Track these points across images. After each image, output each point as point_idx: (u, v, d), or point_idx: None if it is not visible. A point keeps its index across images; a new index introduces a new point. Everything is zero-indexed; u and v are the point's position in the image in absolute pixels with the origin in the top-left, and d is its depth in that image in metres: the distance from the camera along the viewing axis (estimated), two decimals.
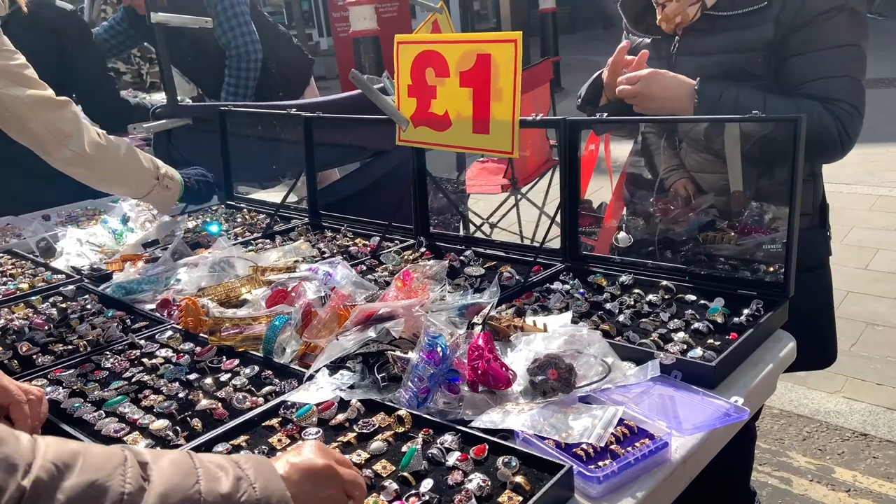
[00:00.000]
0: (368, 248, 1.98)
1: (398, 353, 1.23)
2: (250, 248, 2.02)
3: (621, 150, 1.98)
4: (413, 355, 1.18)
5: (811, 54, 1.60)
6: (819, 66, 1.60)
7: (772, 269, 1.52)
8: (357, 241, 2.06)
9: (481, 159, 4.79)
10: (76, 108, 1.90)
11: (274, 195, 2.74)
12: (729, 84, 1.63)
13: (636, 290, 1.51)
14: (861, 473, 2.60)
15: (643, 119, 1.81)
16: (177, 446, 1.07)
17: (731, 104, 1.60)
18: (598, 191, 2.16)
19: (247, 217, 2.41)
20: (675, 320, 1.38)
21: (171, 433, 1.11)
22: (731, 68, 1.65)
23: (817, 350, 1.81)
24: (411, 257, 1.87)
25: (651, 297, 1.48)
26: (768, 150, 1.61)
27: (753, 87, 1.63)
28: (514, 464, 0.97)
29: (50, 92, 1.84)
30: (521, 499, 0.91)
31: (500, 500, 0.92)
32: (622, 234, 1.75)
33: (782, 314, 1.39)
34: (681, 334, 1.31)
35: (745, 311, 1.36)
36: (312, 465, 0.82)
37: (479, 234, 4.39)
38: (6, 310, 1.66)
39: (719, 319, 1.35)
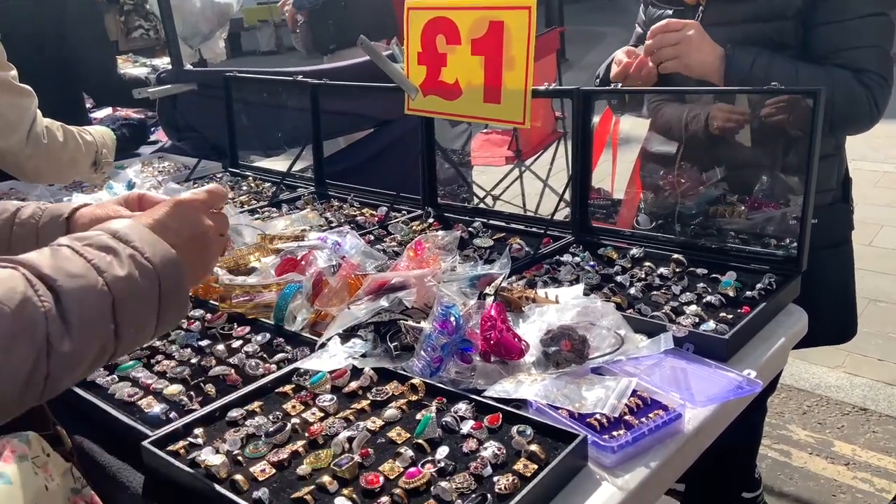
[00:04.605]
0: (376, 219, 1.96)
1: (410, 322, 1.23)
2: (257, 216, 2.01)
3: (638, 128, 1.96)
4: (426, 325, 1.18)
5: (840, 23, 1.57)
6: (848, 36, 1.57)
7: (784, 243, 1.51)
8: (364, 210, 2.04)
9: (485, 130, 4.76)
10: (33, 100, 1.79)
11: (278, 164, 2.72)
12: (760, 51, 1.59)
13: (647, 263, 1.51)
14: (860, 447, 2.63)
15: (659, 90, 1.79)
16: (191, 411, 1.08)
17: (761, 73, 1.57)
18: (604, 171, 2.14)
19: (252, 185, 2.39)
20: (687, 293, 1.38)
21: (185, 398, 1.12)
22: (759, 38, 1.62)
23: (838, 325, 1.81)
24: (419, 228, 1.86)
25: (662, 270, 1.48)
26: (788, 125, 1.59)
27: (784, 56, 1.60)
28: (528, 433, 0.98)
29: (7, 75, 1.72)
30: (535, 467, 0.92)
31: (515, 467, 0.92)
32: (643, 217, 1.74)
33: (795, 288, 1.39)
34: (693, 307, 1.31)
35: (758, 285, 1.36)
36: (168, 210, 0.88)
37: (481, 207, 4.37)
38: None
39: (731, 293, 1.35)
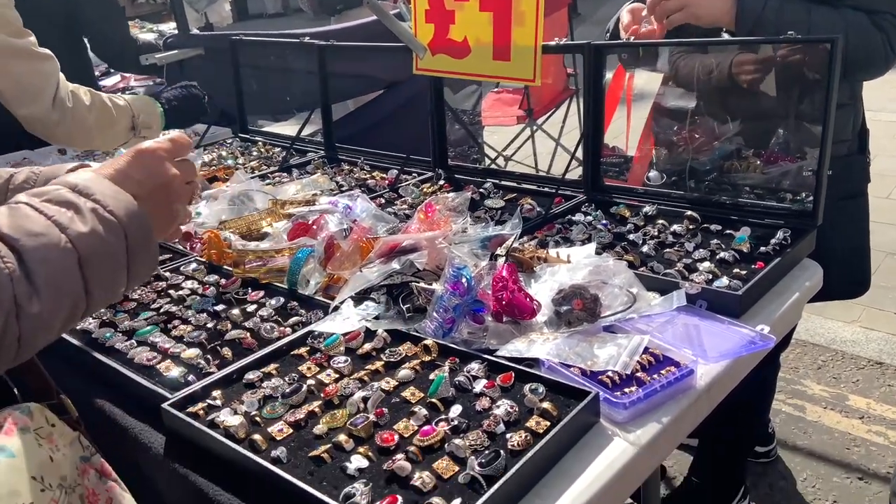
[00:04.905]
0: (386, 182, 1.96)
1: (422, 284, 1.23)
2: (268, 181, 2.01)
3: (653, 83, 1.91)
4: (438, 286, 1.18)
5: None
6: None
7: (799, 197, 1.49)
8: (374, 174, 2.04)
9: (496, 90, 4.69)
10: (55, 64, 1.77)
11: (287, 128, 2.71)
12: None
13: (660, 221, 1.49)
14: (875, 401, 2.63)
15: (671, 42, 1.74)
16: (209, 374, 1.10)
17: (773, 17, 1.52)
18: (618, 129, 2.10)
19: (262, 150, 2.39)
20: (701, 250, 1.37)
21: (202, 361, 1.13)
22: None
23: (852, 279, 1.79)
24: (430, 190, 1.85)
25: (675, 227, 1.47)
26: (804, 73, 1.54)
27: None
28: (540, 391, 0.99)
29: (27, 41, 1.69)
30: (548, 424, 0.93)
31: (527, 424, 0.93)
32: (654, 173, 1.71)
33: (810, 243, 1.38)
34: (706, 264, 1.30)
35: (773, 241, 1.34)
36: (129, 160, 0.84)
37: (493, 168, 4.34)
38: None
39: (745, 249, 1.34)
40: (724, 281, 1.24)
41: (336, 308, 1.24)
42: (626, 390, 1.00)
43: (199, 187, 0.95)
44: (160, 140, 0.90)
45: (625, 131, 2.10)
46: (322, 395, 1.03)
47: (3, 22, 1.67)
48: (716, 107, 1.75)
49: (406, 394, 1.02)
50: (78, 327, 1.27)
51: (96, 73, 3.24)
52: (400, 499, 0.82)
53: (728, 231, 1.42)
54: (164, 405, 1.02)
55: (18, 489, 0.71)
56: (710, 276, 1.26)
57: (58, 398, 0.89)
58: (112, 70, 3.56)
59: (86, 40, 2.78)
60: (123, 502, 0.88)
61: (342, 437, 0.93)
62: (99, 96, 1.90)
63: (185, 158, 0.92)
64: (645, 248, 1.39)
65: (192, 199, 0.94)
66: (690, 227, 1.47)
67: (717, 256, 1.33)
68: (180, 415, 1.00)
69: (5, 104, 1.73)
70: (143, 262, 0.82)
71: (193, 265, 1.49)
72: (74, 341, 1.23)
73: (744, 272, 1.27)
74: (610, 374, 1.02)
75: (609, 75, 1.74)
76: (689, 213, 1.49)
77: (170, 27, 3.79)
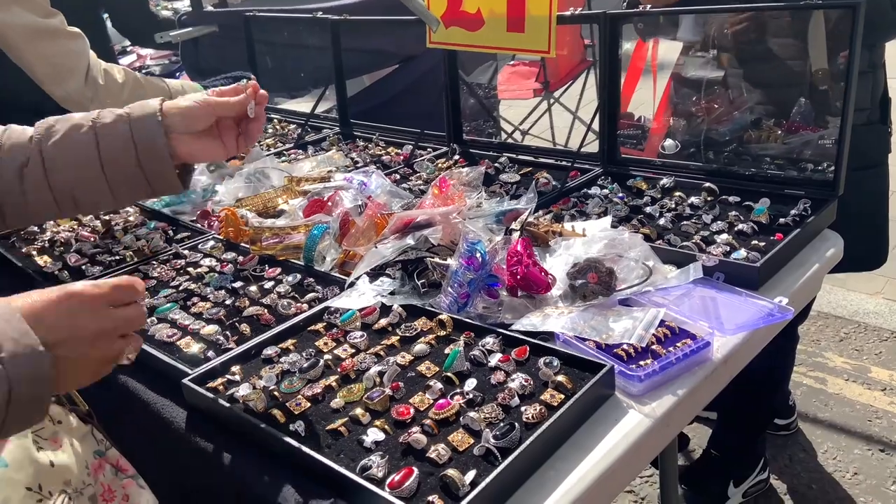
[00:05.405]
0: (401, 157, 1.95)
1: (437, 259, 1.24)
2: (283, 158, 2.02)
3: (671, 52, 1.88)
4: (452, 262, 1.18)
5: None
6: None
7: (820, 167, 1.46)
8: (389, 149, 2.03)
9: (512, 63, 4.63)
10: (85, 42, 1.78)
11: (303, 105, 2.70)
12: None
13: (677, 193, 1.48)
14: None
15: (686, 10, 1.70)
16: (228, 350, 1.11)
17: None
18: (642, 101, 2.06)
19: (277, 127, 2.39)
20: (718, 222, 1.35)
21: (221, 337, 1.15)
22: None
23: (868, 251, 1.76)
24: (445, 165, 1.84)
25: (693, 199, 1.45)
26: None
27: None
28: (555, 364, 0.99)
29: (56, 20, 1.70)
30: (563, 397, 0.93)
31: (542, 397, 0.94)
32: (668, 142, 1.69)
33: (830, 213, 1.35)
34: (724, 236, 1.29)
35: (792, 212, 1.32)
36: (53, 299, 0.71)
37: (508, 142, 4.31)
38: (52, 223, 1.70)
39: (764, 220, 1.32)
40: (742, 253, 1.22)
41: (352, 284, 1.25)
42: (642, 363, 0.99)
43: (139, 340, 0.82)
44: (101, 284, 0.77)
45: (650, 101, 2.06)
46: (339, 369, 1.04)
47: (31, 3, 1.68)
48: (738, 76, 1.72)
49: (421, 368, 1.03)
50: None
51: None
52: (416, 471, 0.83)
53: (747, 203, 1.40)
54: (185, 380, 1.04)
55: (10, 501, 0.68)
56: (728, 249, 1.25)
57: (65, 392, 0.83)
58: (128, 49, 3.57)
59: (105, 17, 2.79)
60: (140, 500, 0.86)
61: (359, 411, 0.94)
62: (133, 74, 1.92)
63: (135, 303, 0.79)
64: (662, 221, 1.38)
65: (123, 357, 0.80)
66: (708, 198, 1.45)
67: (736, 228, 1.32)
68: (200, 390, 1.02)
69: (40, 84, 1.75)
70: (22, 421, 0.68)
71: (211, 243, 1.50)
72: None
73: (762, 244, 1.25)
74: (625, 347, 1.02)
75: (628, 45, 1.71)
76: (706, 184, 1.47)
77: (184, 4, 3.78)
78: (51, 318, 0.70)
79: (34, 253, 1.55)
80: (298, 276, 1.33)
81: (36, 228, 1.67)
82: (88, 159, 1.06)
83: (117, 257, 1.49)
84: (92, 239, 1.59)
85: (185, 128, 1.09)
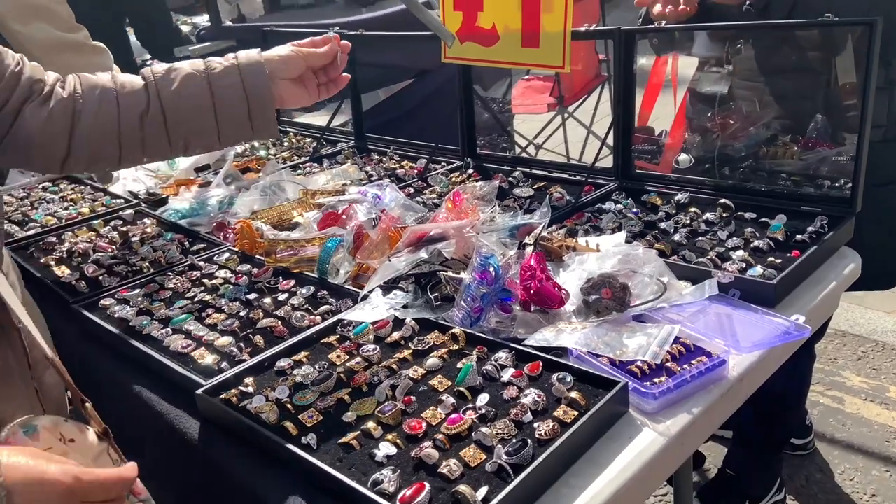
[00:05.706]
0: (415, 171, 1.96)
1: (450, 273, 1.24)
2: (299, 171, 2.03)
3: (687, 68, 1.88)
4: (465, 275, 1.18)
5: None
6: None
7: (837, 183, 1.45)
8: (404, 163, 2.04)
9: (526, 77, 4.65)
10: (109, 56, 1.80)
11: (318, 119, 2.73)
12: None
13: (692, 209, 1.47)
14: None
15: (701, 27, 1.71)
16: (241, 361, 1.12)
17: None
18: (664, 115, 2.06)
19: (293, 141, 2.41)
20: (734, 238, 1.34)
21: (235, 349, 1.16)
22: None
23: (881, 270, 1.74)
24: (459, 179, 1.85)
25: (708, 215, 1.44)
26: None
27: None
28: (568, 380, 0.98)
29: (80, 35, 1.73)
30: (576, 413, 0.92)
31: (555, 414, 0.93)
32: (683, 156, 1.68)
33: (848, 230, 1.34)
34: (740, 252, 1.28)
35: (809, 229, 1.31)
36: (27, 480, 0.64)
37: (522, 156, 4.31)
38: (70, 233, 1.73)
39: (780, 237, 1.31)
40: (759, 270, 1.21)
41: (365, 297, 1.25)
42: (656, 380, 0.99)
43: None
44: (83, 474, 0.68)
45: (671, 116, 2.05)
46: (351, 382, 1.04)
47: (55, 17, 1.70)
48: (751, 93, 1.71)
49: (434, 382, 1.03)
50: (116, 315, 1.30)
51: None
52: (427, 486, 0.83)
53: (763, 219, 1.39)
54: (199, 391, 1.04)
55: None
56: (744, 265, 1.24)
57: (82, 406, 0.80)
58: (148, 62, 3.62)
59: (128, 30, 2.84)
60: None
61: (371, 425, 0.94)
62: None
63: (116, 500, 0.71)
64: (677, 237, 1.37)
65: None
66: (724, 214, 1.44)
67: (752, 245, 1.31)
68: (214, 401, 1.02)
69: None
70: None
71: (226, 254, 1.52)
72: (112, 329, 1.26)
73: (779, 261, 1.24)
74: (639, 363, 1.01)
75: (643, 61, 1.71)
76: (722, 200, 1.46)
77: (203, 19, 3.84)
78: (17, 499, 0.64)
79: (52, 263, 1.57)
80: (312, 288, 1.34)
81: (54, 239, 1.69)
82: (204, 109, 1.16)
83: (134, 268, 1.51)
84: (109, 250, 1.60)
85: (284, 74, 1.19)
